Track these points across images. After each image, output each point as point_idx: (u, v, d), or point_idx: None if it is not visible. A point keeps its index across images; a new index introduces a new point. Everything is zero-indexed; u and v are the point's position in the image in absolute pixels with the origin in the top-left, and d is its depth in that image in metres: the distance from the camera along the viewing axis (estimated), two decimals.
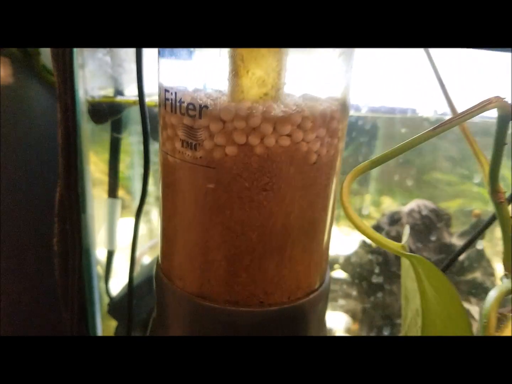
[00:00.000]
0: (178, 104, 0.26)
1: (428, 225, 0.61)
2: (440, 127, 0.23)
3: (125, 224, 0.57)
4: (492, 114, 0.23)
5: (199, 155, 0.26)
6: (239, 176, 0.26)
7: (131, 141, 0.53)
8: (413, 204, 0.63)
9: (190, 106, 0.26)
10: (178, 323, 0.30)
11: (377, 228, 0.62)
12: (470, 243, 0.38)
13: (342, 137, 0.29)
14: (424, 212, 0.61)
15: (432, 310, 0.23)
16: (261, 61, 0.26)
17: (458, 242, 0.64)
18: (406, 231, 0.24)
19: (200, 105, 0.25)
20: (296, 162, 0.26)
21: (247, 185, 0.26)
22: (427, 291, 0.23)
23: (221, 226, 0.27)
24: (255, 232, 0.27)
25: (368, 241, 0.65)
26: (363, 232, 0.21)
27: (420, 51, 0.32)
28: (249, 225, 0.27)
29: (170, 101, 0.27)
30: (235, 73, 0.26)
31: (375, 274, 0.60)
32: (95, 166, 0.55)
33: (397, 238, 0.60)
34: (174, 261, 0.30)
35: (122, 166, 0.57)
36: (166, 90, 0.27)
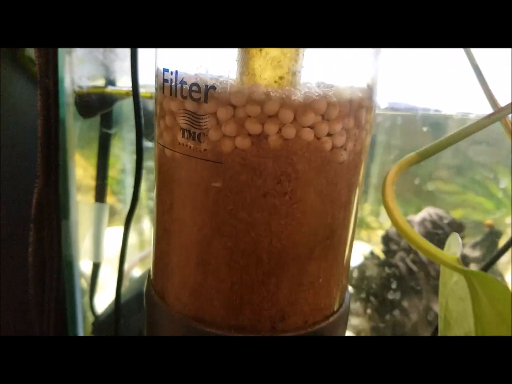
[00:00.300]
0: (179, 85, 0.22)
1: (441, 235, 0.57)
2: (496, 114, 0.20)
3: (113, 233, 0.52)
4: None
5: (204, 148, 0.22)
6: (251, 173, 0.22)
7: (123, 140, 0.48)
8: (424, 212, 0.59)
9: (194, 88, 0.21)
10: None
11: (387, 239, 0.58)
12: (501, 254, 0.34)
13: (370, 131, 0.25)
14: (437, 221, 0.57)
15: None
16: None
17: (471, 253, 0.60)
18: (457, 241, 0.20)
19: (206, 86, 0.21)
20: (319, 158, 0.22)
21: (261, 184, 0.22)
22: (487, 315, 0.18)
23: (228, 235, 0.23)
24: (269, 243, 0.23)
25: (377, 252, 0.60)
26: (412, 240, 0.17)
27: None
28: (263, 234, 0.22)
29: (170, 83, 0.22)
30: (246, 52, 0.22)
31: (387, 290, 0.56)
32: (84, 171, 0.50)
33: (410, 251, 0.56)
34: (169, 277, 0.26)
35: (113, 170, 0.53)
36: (165, 70, 0.23)
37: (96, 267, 0.46)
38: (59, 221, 0.34)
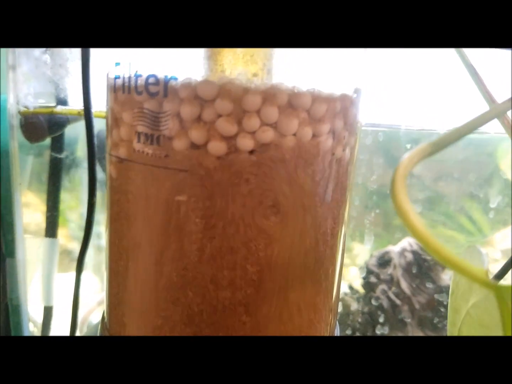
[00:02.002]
0: (133, 79, 0.18)
1: (422, 266, 0.54)
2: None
3: (71, 277, 0.47)
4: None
5: (164, 153, 0.18)
6: (227, 183, 0.18)
7: (79, 171, 0.44)
8: (404, 242, 0.56)
9: (151, 79, 0.17)
10: None
11: (367, 271, 0.55)
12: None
13: (358, 137, 0.22)
14: (418, 251, 0.54)
15: None
16: None
17: None
18: (480, 254, 0.16)
19: (165, 77, 0.17)
20: (307, 165, 0.19)
21: (236, 198, 0.18)
22: None
23: (196, 262, 0.19)
24: (246, 270, 0.19)
25: (356, 286, 0.57)
26: (434, 250, 0.13)
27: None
28: (236, 261, 0.19)
29: (122, 78, 0.19)
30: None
31: (371, 325, 0.52)
32: (34, 204, 0.45)
33: (391, 282, 0.53)
34: (125, 318, 0.21)
35: (73, 214, 0.48)
36: (117, 64, 0.19)
37: (48, 311, 0.41)
38: (3, 260, 0.29)
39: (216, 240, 0.18)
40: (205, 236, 0.18)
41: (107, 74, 0.20)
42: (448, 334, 0.21)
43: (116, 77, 0.19)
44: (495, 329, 0.16)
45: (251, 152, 0.17)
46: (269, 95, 0.17)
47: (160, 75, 0.17)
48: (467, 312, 0.19)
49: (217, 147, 0.17)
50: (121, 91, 0.19)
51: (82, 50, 0.28)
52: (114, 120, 0.20)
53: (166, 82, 0.17)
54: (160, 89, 0.17)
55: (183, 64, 0.18)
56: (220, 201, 0.18)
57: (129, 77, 0.18)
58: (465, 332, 0.19)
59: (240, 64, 0.19)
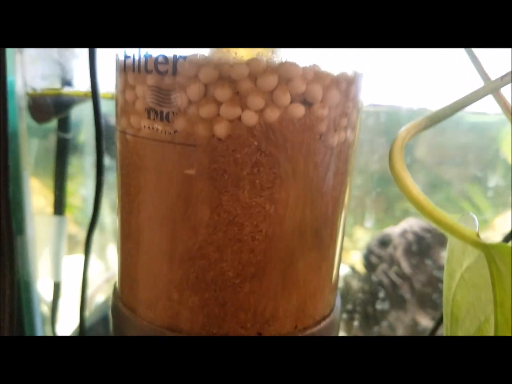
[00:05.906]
0: (143, 58, 0.19)
1: (423, 246, 0.55)
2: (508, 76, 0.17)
3: (77, 261, 0.48)
4: None
5: (174, 129, 0.19)
6: (232, 158, 0.19)
7: (84, 158, 0.44)
8: (404, 224, 0.57)
9: (160, 59, 0.18)
10: None
11: (368, 252, 0.56)
12: None
13: (360, 114, 0.23)
14: (419, 232, 0.55)
15: None
16: None
17: None
18: (472, 220, 0.17)
19: (174, 56, 0.18)
20: (309, 139, 0.19)
21: (243, 172, 0.19)
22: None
23: (204, 231, 0.20)
24: (251, 241, 0.20)
25: (358, 268, 0.58)
26: (429, 213, 0.14)
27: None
28: (243, 231, 0.20)
29: (132, 58, 0.19)
30: None
31: (372, 304, 0.53)
32: (40, 185, 0.46)
33: (391, 262, 0.54)
34: (138, 285, 0.22)
35: (72, 198, 0.49)
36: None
37: (57, 288, 0.42)
38: (12, 236, 0.30)
39: (222, 213, 0.19)
40: (213, 209, 0.19)
41: (117, 55, 0.21)
42: (444, 298, 0.22)
43: (126, 57, 0.20)
44: (486, 290, 0.17)
45: (255, 127, 0.18)
46: (281, 75, 0.18)
47: (169, 55, 0.18)
48: (461, 276, 0.20)
49: (222, 125, 0.18)
50: (131, 70, 0.20)
51: None
52: (123, 98, 0.21)
53: (175, 61, 0.18)
54: (169, 67, 0.18)
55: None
56: (227, 175, 0.19)
57: (139, 58, 0.19)
58: (459, 296, 0.20)
59: None
